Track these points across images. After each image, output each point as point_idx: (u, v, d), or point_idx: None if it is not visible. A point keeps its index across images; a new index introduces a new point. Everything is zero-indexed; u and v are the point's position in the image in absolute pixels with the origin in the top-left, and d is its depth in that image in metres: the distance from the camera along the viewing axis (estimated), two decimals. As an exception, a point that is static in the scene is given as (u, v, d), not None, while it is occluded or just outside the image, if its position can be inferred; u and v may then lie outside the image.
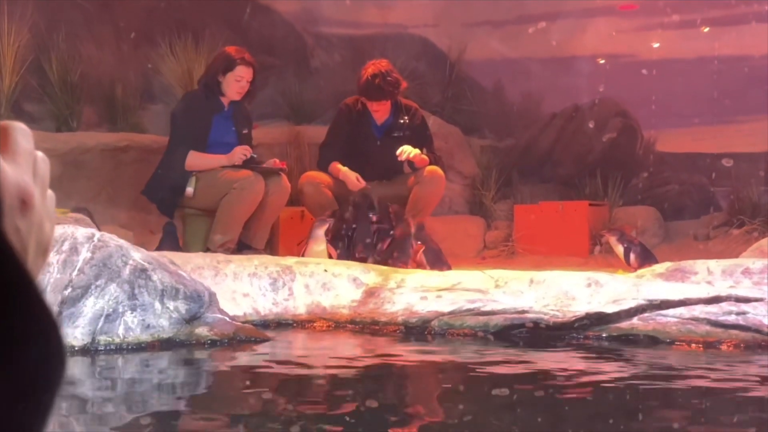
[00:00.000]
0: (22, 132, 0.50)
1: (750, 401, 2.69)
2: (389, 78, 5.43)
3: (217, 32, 7.00)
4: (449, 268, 5.00)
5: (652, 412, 2.56)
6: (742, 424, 2.42)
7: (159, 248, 4.78)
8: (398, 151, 5.39)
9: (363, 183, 5.45)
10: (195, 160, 5.36)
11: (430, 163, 5.56)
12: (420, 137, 5.62)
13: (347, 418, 2.39)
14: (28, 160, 0.49)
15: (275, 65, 7.71)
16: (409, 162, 5.51)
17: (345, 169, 5.53)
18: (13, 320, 0.40)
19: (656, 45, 7.80)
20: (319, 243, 5.09)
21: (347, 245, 5.23)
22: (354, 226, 5.28)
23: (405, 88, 5.62)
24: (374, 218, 5.27)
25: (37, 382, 0.41)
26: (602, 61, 7.96)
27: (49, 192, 0.51)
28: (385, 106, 5.56)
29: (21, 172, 0.48)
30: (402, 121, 5.60)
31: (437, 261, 5.10)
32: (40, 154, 0.51)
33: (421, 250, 5.10)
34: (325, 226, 5.14)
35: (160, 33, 7.07)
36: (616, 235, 5.39)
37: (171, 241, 5.29)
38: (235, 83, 5.39)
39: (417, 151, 5.45)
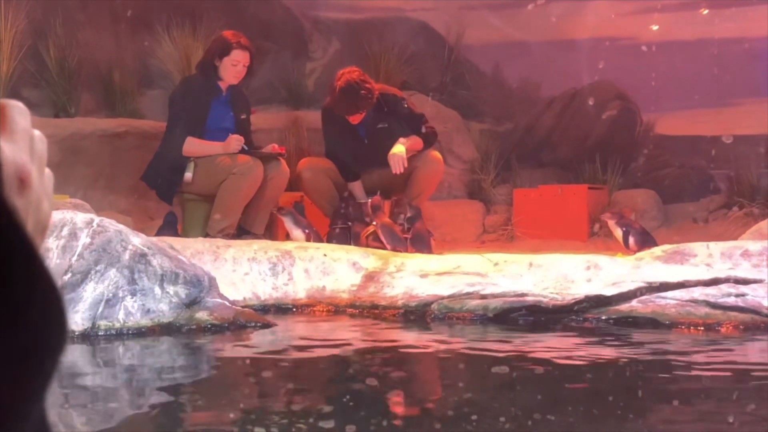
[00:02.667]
0: (18, 110, 0.50)
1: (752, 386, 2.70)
2: (362, 91, 5.29)
3: (215, 17, 6.97)
4: (430, 252, 5.01)
5: (652, 392, 2.58)
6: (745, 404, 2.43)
7: (157, 236, 4.77)
8: (393, 169, 5.32)
9: (364, 197, 5.48)
10: (192, 146, 5.35)
11: (425, 141, 5.51)
12: (408, 120, 5.56)
13: (348, 401, 2.40)
14: (25, 139, 0.49)
15: (273, 50, 7.69)
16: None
17: (355, 183, 5.54)
18: (14, 284, 0.40)
19: (655, 27, 7.77)
20: (297, 232, 5.19)
21: (346, 236, 5.26)
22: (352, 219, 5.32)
23: (378, 95, 5.43)
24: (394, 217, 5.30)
25: (39, 346, 0.41)
26: (601, 44, 7.93)
27: (47, 171, 0.51)
28: (360, 115, 5.48)
29: (18, 150, 0.48)
30: (383, 113, 5.51)
31: (421, 245, 5.10)
32: (37, 132, 0.51)
33: (373, 229, 5.14)
34: (292, 216, 5.26)
35: (157, 18, 7.04)
36: (615, 218, 5.39)
37: (169, 230, 5.28)
38: (232, 68, 5.37)
39: (403, 149, 5.35)
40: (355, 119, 5.46)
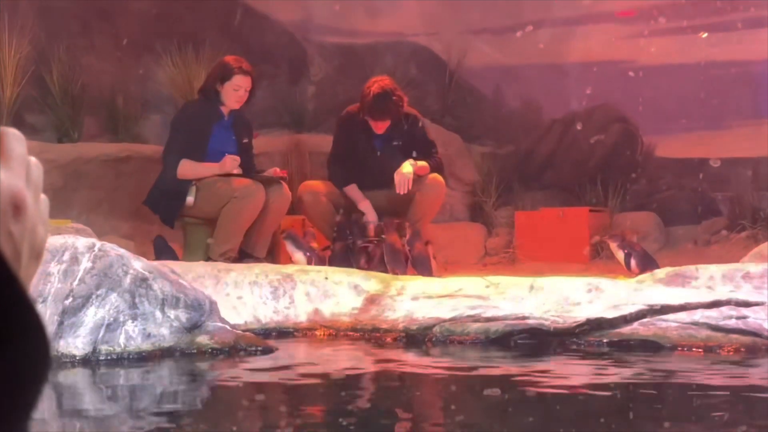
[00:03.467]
0: (15, 137, 0.50)
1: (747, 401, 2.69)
2: (394, 97, 5.42)
3: (218, 42, 7.02)
4: (431, 275, 5.02)
5: (651, 415, 2.57)
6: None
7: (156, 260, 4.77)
8: (398, 188, 5.37)
9: (375, 219, 5.48)
10: (186, 168, 5.36)
11: (432, 169, 5.56)
12: (421, 144, 5.62)
13: (347, 425, 2.40)
14: (21, 165, 0.50)
15: (275, 74, 7.73)
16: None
17: (368, 206, 5.54)
18: None
19: (654, 51, 7.81)
20: (299, 255, 5.25)
21: (345, 257, 5.29)
22: (355, 242, 5.34)
23: (407, 103, 5.61)
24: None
25: (21, 379, 0.41)
26: (601, 67, 7.97)
27: (43, 197, 0.52)
28: (388, 121, 5.56)
29: (14, 177, 0.49)
30: (402, 130, 5.60)
31: (422, 267, 5.12)
32: (33, 159, 0.51)
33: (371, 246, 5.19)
34: (293, 240, 5.31)
35: (160, 43, 7.10)
36: (617, 240, 5.39)
37: (164, 253, 5.26)
38: (233, 92, 5.40)
39: (411, 170, 5.41)
40: (379, 128, 5.52)
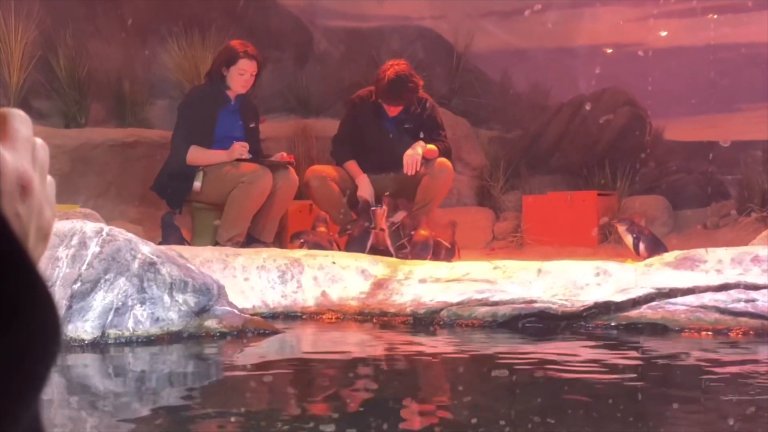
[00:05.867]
0: (20, 119, 0.50)
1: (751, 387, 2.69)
2: (410, 84, 5.41)
3: (224, 26, 7.00)
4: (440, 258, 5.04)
5: (658, 397, 2.56)
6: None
7: (162, 242, 4.79)
8: (406, 169, 5.36)
9: (371, 193, 5.46)
10: (196, 155, 5.37)
11: (441, 153, 5.55)
12: (430, 128, 5.61)
13: (357, 408, 2.40)
14: (27, 147, 0.50)
15: (282, 58, 7.71)
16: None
17: (364, 179, 5.51)
18: (6, 289, 0.41)
19: (664, 33, 7.76)
20: None
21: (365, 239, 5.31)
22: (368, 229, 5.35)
23: (422, 88, 5.59)
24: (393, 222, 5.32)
25: (32, 353, 0.41)
26: (610, 50, 7.93)
27: (49, 178, 0.52)
28: (402, 106, 5.54)
29: (20, 158, 0.49)
30: (414, 114, 5.58)
31: (422, 250, 5.13)
32: (39, 140, 0.51)
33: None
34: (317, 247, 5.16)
35: (166, 28, 7.08)
36: (625, 224, 5.38)
37: (173, 233, 5.27)
38: (239, 77, 5.39)
39: (420, 152, 5.41)
40: (393, 111, 5.51)
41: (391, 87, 5.36)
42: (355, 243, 5.23)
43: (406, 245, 5.24)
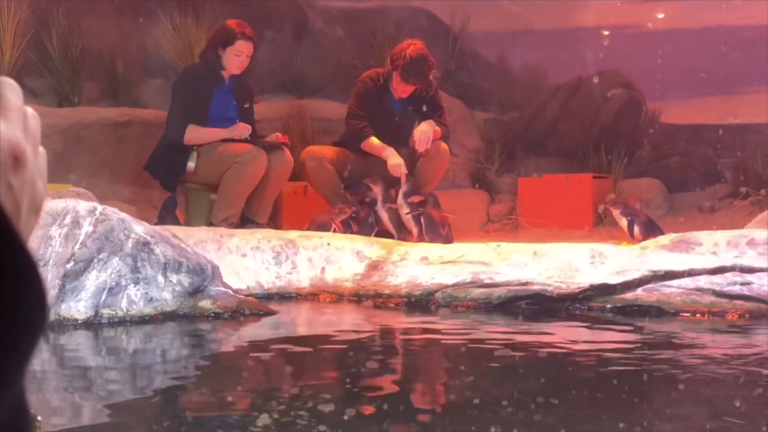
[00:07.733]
0: (10, 87, 0.48)
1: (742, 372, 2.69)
2: (429, 62, 5.39)
3: (219, 5, 6.95)
4: (445, 240, 5.03)
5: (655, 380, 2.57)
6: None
7: (157, 223, 4.78)
8: (417, 145, 5.32)
9: (404, 170, 5.37)
10: (194, 133, 5.33)
11: (442, 135, 5.55)
12: (432, 110, 5.60)
13: (349, 387, 2.40)
14: (18, 117, 0.48)
15: (277, 38, 7.66)
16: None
17: (393, 151, 5.40)
18: None
19: (661, 15, 7.73)
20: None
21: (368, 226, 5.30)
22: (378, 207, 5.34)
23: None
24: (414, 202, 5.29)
25: (18, 328, 0.40)
26: (606, 33, 7.89)
27: (41, 149, 0.50)
28: (418, 86, 5.50)
29: (12, 128, 0.47)
30: (420, 95, 5.55)
31: (431, 231, 5.13)
32: (30, 110, 0.49)
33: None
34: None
35: (161, 7, 7.03)
36: (620, 207, 5.37)
37: (169, 215, 5.29)
38: (235, 58, 5.35)
39: (431, 129, 5.39)
40: (402, 92, 5.48)
41: (414, 65, 5.33)
42: (364, 226, 5.26)
43: (420, 223, 5.20)
